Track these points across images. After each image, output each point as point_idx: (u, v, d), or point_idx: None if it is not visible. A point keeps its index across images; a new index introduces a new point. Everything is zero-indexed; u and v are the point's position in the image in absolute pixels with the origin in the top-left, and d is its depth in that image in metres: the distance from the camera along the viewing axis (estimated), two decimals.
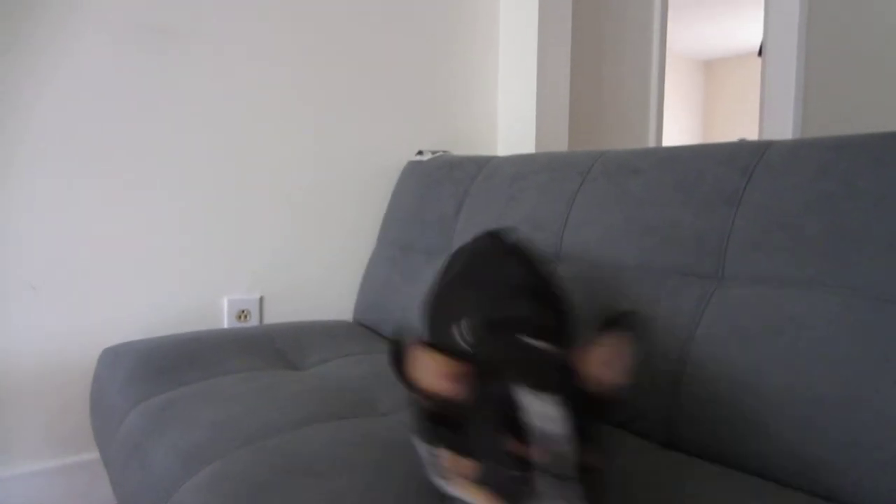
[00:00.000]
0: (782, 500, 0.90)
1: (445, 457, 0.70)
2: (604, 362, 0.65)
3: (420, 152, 2.05)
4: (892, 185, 0.97)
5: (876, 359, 0.90)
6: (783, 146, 1.15)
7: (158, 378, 1.39)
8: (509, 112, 2.26)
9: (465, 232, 1.69)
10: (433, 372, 0.64)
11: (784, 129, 2.93)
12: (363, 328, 1.92)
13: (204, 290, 1.83)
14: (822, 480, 0.91)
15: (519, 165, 1.65)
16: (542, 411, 0.58)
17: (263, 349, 1.61)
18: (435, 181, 1.88)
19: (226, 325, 1.86)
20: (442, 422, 0.68)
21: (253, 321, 1.90)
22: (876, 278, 0.94)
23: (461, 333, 0.80)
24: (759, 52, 3.02)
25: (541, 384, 0.60)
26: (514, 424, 0.58)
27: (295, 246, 1.95)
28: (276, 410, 1.17)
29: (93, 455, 1.67)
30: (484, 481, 0.61)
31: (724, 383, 1.04)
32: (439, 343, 0.66)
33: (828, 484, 0.90)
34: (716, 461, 1.02)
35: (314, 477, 0.91)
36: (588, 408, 0.61)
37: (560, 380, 0.62)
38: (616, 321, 0.66)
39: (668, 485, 0.93)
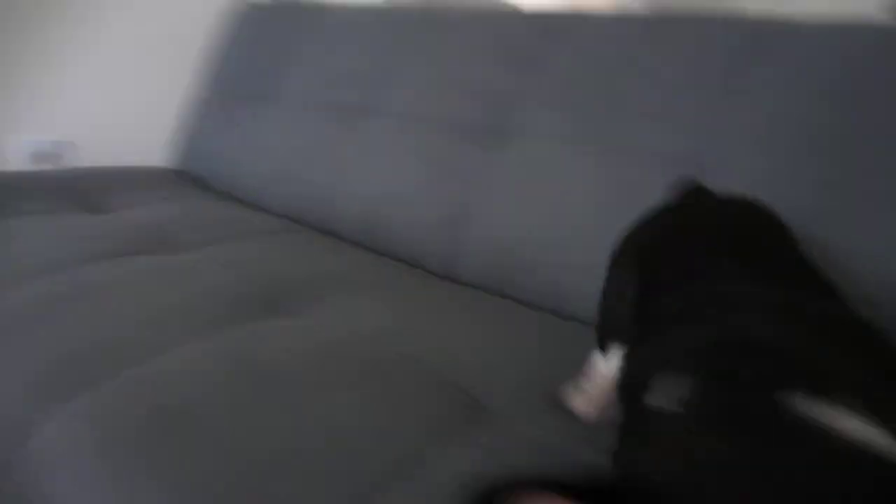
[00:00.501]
0: (544, 319, 1.05)
1: None
2: None
3: None
4: (666, 62, 1.08)
5: (615, 203, 1.05)
6: (581, 16, 1.22)
7: None
8: None
9: (290, 80, 1.65)
10: None
11: None
12: (181, 174, 1.86)
13: None
14: (569, 303, 1.07)
15: (348, 16, 1.62)
16: None
17: (63, 192, 1.52)
18: (262, 26, 1.79)
19: (19, 168, 1.72)
20: None
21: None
22: (639, 137, 1.07)
23: (670, 395, 0.44)
24: None
25: None
26: None
27: (108, 86, 1.81)
28: (63, 250, 1.14)
29: None
30: None
31: (503, 230, 1.16)
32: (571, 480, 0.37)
33: (572, 303, 1.06)
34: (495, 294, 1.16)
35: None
36: None
37: None
38: None
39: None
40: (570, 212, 1.09)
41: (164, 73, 1.91)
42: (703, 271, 0.63)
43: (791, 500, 0.31)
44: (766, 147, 0.96)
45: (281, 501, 0.60)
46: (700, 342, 0.48)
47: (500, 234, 1.16)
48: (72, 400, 0.73)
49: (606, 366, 0.74)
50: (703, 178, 0.95)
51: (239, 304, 0.98)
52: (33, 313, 0.90)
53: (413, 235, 1.28)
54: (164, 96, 1.92)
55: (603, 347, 0.76)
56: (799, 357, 0.43)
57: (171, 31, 1.89)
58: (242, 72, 1.80)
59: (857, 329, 0.51)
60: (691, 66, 1.06)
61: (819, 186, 0.90)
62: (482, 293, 1.16)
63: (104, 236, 1.27)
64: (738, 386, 0.40)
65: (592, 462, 0.66)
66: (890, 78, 0.91)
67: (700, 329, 0.51)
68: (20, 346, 0.84)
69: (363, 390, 0.78)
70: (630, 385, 0.55)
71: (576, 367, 0.82)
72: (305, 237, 1.39)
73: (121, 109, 1.85)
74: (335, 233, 1.44)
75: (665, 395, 0.44)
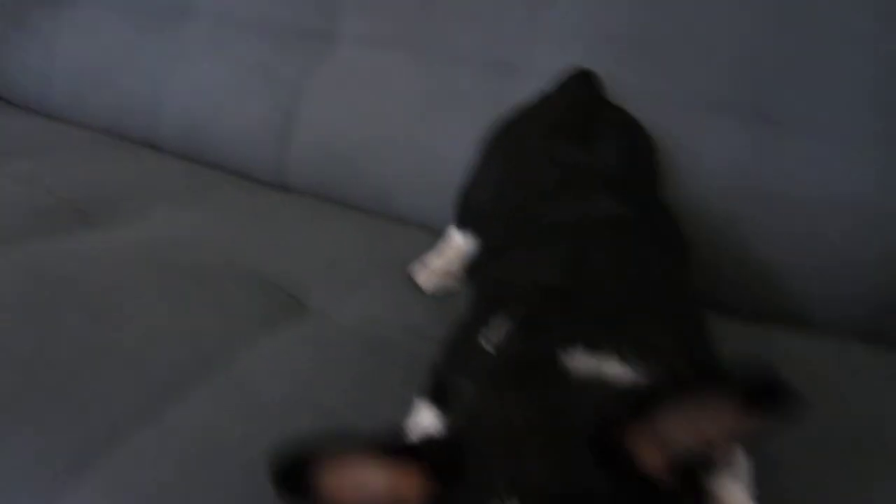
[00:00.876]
0: (371, 221, 1.07)
1: None
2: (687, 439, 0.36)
3: None
4: None
5: (434, 107, 1.08)
6: None
7: None
8: None
9: None
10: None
11: None
12: None
13: None
14: (393, 205, 1.10)
15: None
16: None
17: None
18: None
19: None
20: None
21: None
22: (454, 38, 1.09)
23: (490, 338, 0.51)
24: None
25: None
26: None
27: None
28: None
29: None
30: None
31: (330, 137, 1.16)
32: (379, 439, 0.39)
33: (396, 204, 1.10)
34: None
35: None
36: None
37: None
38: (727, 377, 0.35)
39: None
40: (394, 117, 1.11)
41: None
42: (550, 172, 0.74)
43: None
44: (573, 50, 1.02)
45: (84, 397, 0.61)
46: (527, 281, 0.56)
47: (328, 141, 1.16)
48: None
49: (461, 241, 0.84)
50: (517, 83, 1.00)
51: (41, 219, 0.93)
52: None
53: (238, 145, 1.25)
54: None
55: (460, 226, 0.86)
56: (586, 309, 0.51)
57: None
58: None
59: (651, 269, 0.60)
60: None
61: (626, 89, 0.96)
62: (312, 200, 1.16)
63: None
64: (531, 339, 0.48)
65: (403, 343, 0.72)
66: None
67: (532, 258, 0.61)
68: None
69: (179, 294, 0.78)
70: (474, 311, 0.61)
71: (401, 263, 0.87)
72: (121, 149, 1.31)
73: None
74: (158, 145, 1.37)
75: (493, 335, 0.50)
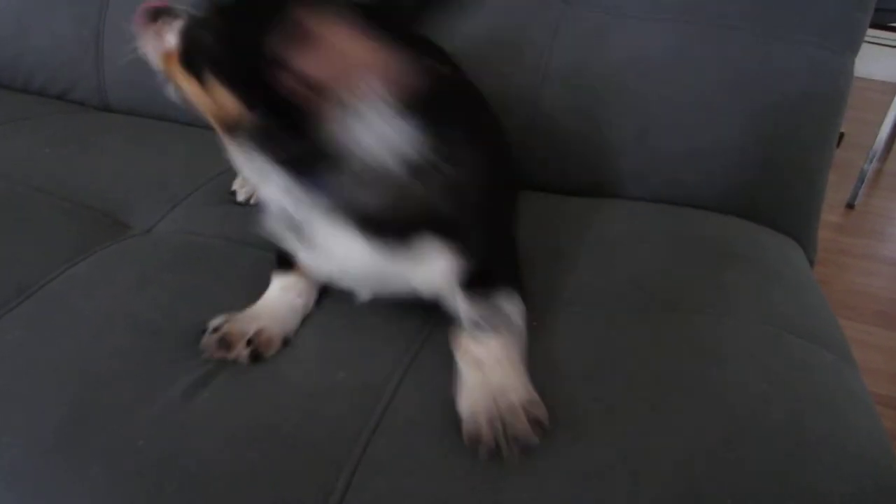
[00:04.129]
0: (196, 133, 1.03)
1: None
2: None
3: None
4: None
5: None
6: None
7: None
8: None
9: None
10: None
11: None
12: None
13: None
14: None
15: None
16: None
17: None
18: None
19: None
20: None
21: None
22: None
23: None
24: None
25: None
26: None
27: None
28: None
29: None
30: None
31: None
32: None
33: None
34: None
35: None
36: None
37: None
38: None
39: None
40: None
41: None
42: None
43: None
44: None
45: None
46: None
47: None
48: None
49: None
50: None
51: None
52: None
53: (50, 65, 1.17)
54: None
55: None
56: None
57: None
58: None
59: None
60: None
61: None
62: (135, 119, 1.13)
63: None
64: None
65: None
66: None
67: None
68: None
69: None
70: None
71: (223, 174, 0.88)
72: None
73: None
74: None
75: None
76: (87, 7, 1.12)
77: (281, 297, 0.65)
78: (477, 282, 0.60)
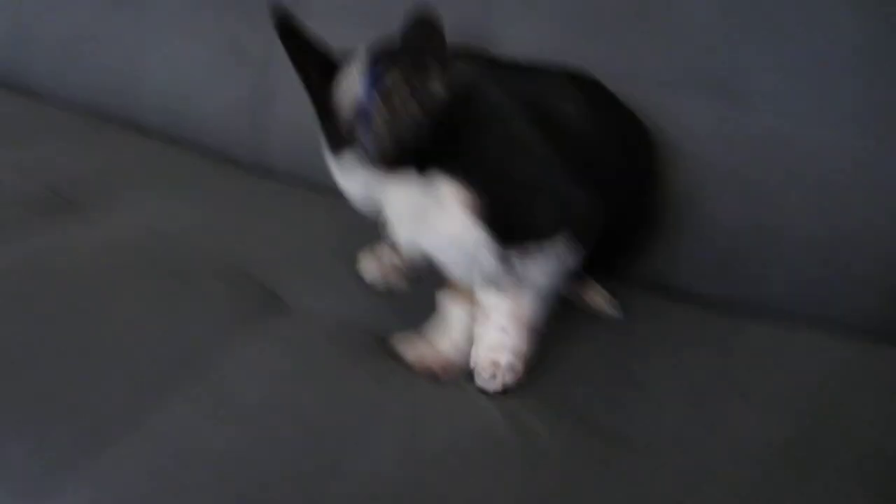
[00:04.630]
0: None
1: None
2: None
3: None
4: None
5: None
6: None
7: None
8: None
9: None
10: None
11: None
12: None
13: None
14: None
15: None
16: None
17: None
18: None
19: None
20: None
21: None
22: None
23: None
24: None
25: None
26: None
27: None
28: None
29: None
30: None
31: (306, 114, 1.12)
32: None
33: None
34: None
35: None
36: None
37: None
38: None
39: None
40: None
41: None
42: None
43: None
44: (525, 14, 1.00)
45: (69, 399, 0.63)
46: None
47: (304, 122, 1.15)
48: None
49: None
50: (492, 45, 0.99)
51: (29, 211, 0.94)
52: None
53: (218, 126, 1.24)
54: None
55: None
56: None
57: None
58: None
59: None
60: None
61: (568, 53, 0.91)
62: (293, 184, 1.16)
63: None
64: None
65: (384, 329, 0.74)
66: None
67: None
68: None
69: (160, 290, 0.79)
70: None
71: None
72: (103, 132, 1.30)
73: None
74: (138, 124, 1.36)
75: None
76: (258, 73, 1.18)
77: (459, 318, 0.73)
78: (504, 216, 0.63)
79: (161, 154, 1.22)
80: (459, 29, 1.01)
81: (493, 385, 0.66)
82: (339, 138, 0.67)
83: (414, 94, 0.63)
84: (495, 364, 0.66)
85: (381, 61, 0.65)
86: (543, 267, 0.67)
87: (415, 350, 0.71)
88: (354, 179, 0.68)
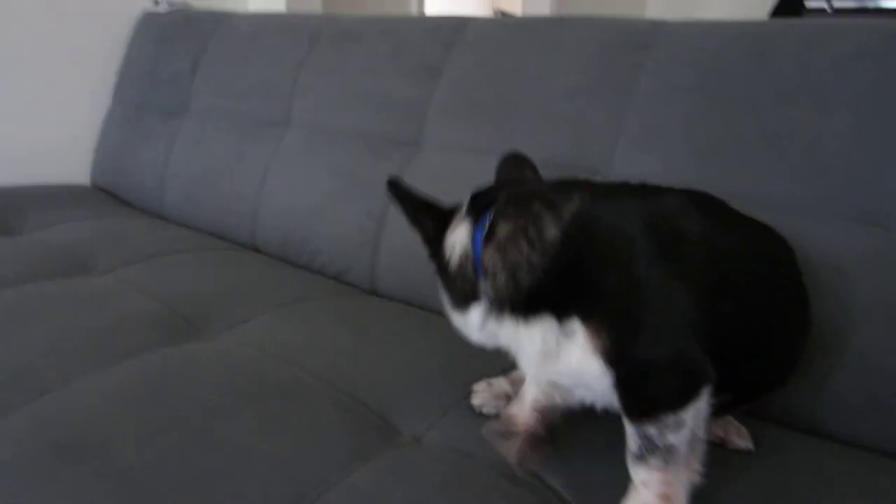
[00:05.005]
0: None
1: None
2: None
3: (157, 2, 1.89)
4: (550, 63, 1.13)
5: None
6: (477, 24, 1.26)
7: None
8: None
9: (200, 92, 1.64)
10: None
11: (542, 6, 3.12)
12: (100, 192, 1.83)
13: None
14: None
15: (255, 26, 1.61)
16: None
17: None
18: (171, 36, 1.77)
19: None
20: None
21: None
22: (530, 144, 1.11)
23: None
24: None
25: None
26: None
27: (21, 104, 1.75)
28: None
29: None
30: None
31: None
32: None
33: None
34: None
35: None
36: None
37: None
38: None
39: None
40: None
41: (80, 87, 1.87)
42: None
43: None
44: (649, 146, 1.01)
45: None
46: None
47: (414, 247, 1.19)
48: None
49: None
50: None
51: (149, 329, 0.99)
52: None
53: (332, 249, 1.30)
54: (81, 112, 1.88)
55: None
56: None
57: (87, 42, 1.85)
58: (150, 84, 1.78)
59: None
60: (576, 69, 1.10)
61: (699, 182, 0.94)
62: (402, 306, 1.18)
63: (15, 259, 1.25)
64: None
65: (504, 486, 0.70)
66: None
67: None
68: None
69: (271, 414, 0.79)
70: None
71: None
72: (224, 254, 1.39)
73: (37, 127, 1.81)
74: (257, 247, 1.45)
75: None
76: (376, 202, 1.24)
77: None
78: (635, 388, 0.61)
79: (278, 276, 1.28)
80: (584, 163, 1.06)
81: None
82: (462, 293, 0.69)
83: (528, 241, 0.63)
84: None
85: (490, 212, 0.67)
86: (682, 435, 0.61)
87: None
88: (477, 328, 0.70)
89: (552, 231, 0.62)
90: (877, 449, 0.80)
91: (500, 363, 0.87)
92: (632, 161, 1.01)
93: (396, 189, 0.75)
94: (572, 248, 0.62)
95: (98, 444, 0.71)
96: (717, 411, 0.72)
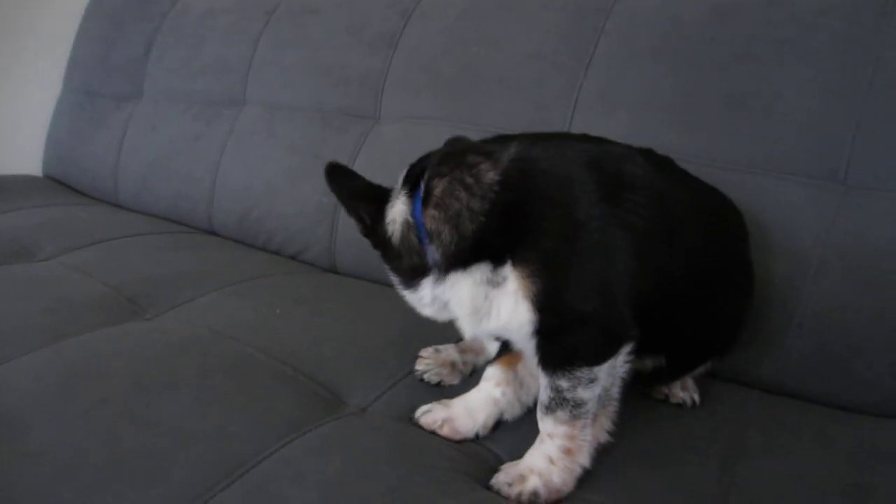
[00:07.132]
0: None
1: None
2: None
3: None
4: (509, 30, 1.09)
5: None
6: None
7: None
8: None
9: (155, 74, 1.58)
10: None
11: None
12: (52, 182, 1.76)
13: None
14: None
15: (211, 2, 1.55)
16: None
17: None
18: (124, 17, 1.70)
19: None
20: None
21: None
22: (490, 111, 1.08)
23: None
24: None
25: None
26: None
27: None
28: None
29: None
30: None
31: None
32: None
33: None
34: None
35: None
36: None
37: None
38: None
39: None
40: None
41: (30, 74, 1.81)
42: None
43: None
44: (609, 110, 0.98)
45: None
46: None
47: None
48: None
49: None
50: None
51: (90, 311, 0.93)
52: None
53: (290, 227, 1.25)
54: (31, 100, 1.81)
55: None
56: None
57: (36, 26, 1.78)
58: (103, 68, 1.71)
59: None
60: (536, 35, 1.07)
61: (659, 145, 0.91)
62: (360, 282, 1.14)
63: None
64: None
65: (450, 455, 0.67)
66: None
67: None
68: None
69: (215, 390, 0.75)
70: None
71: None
72: (178, 237, 1.34)
73: None
74: (214, 231, 1.40)
75: None
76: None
77: (480, 389, 0.72)
78: (556, 339, 0.60)
79: (233, 257, 1.23)
80: (544, 128, 1.03)
81: (506, 491, 0.61)
82: (410, 269, 0.66)
83: (466, 188, 0.60)
84: (522, 479, 0.62)
85: (424, 178, 0.64)
86: (592, 390, 0.61)
87: (431, 415, 0.71)
88: (429, 302, 0.67)
89: (490, 175, 0.60)
90: (828, 402, 0.80)
91: (455, 334, 0.84)
92: (591, 125, 0.97)
93: (332, 178, 0.71)
94: (513, 191, 0.59)
95: (21, 425, 0.66)
96: (662, 377, 0.72)
